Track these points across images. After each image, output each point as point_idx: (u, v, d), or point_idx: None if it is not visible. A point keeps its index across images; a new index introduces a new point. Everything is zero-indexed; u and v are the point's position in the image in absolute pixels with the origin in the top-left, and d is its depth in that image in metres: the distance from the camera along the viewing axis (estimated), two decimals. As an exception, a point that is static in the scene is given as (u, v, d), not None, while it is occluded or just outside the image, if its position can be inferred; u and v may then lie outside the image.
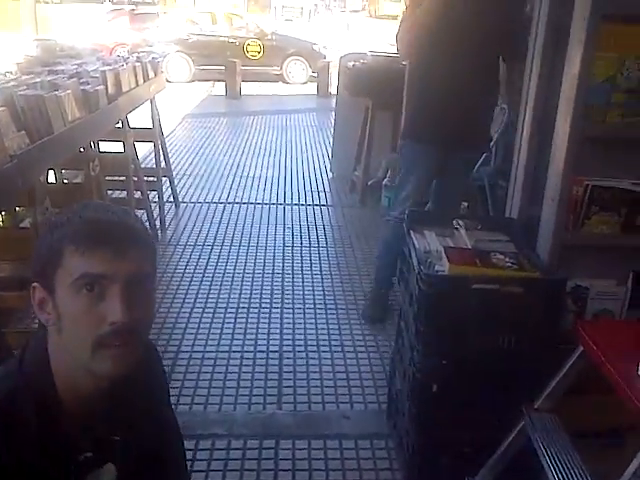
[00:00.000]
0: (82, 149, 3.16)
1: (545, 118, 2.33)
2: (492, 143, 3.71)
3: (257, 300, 3.57)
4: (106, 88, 3.50)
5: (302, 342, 3.15)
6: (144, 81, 4.31)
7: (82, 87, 3.19)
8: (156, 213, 4.60)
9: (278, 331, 3.24)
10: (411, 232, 2.35)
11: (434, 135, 3.13)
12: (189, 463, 2.27)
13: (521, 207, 2.51)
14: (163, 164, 4.86)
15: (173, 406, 2.57)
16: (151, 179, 4.61)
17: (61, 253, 1.03)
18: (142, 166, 4.74)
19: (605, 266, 1.99)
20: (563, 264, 2.16)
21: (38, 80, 2.99)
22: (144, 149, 5.32)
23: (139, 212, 4.35)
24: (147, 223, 4.35)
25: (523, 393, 1.89)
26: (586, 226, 1.96)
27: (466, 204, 5.23)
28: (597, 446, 1.81)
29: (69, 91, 2.91)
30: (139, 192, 4.20)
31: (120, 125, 3.89)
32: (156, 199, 4.67)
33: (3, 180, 2.09)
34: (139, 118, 4.54)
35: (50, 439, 1.05)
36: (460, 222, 2.52)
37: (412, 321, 2.08)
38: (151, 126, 4.62)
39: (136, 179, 4.10)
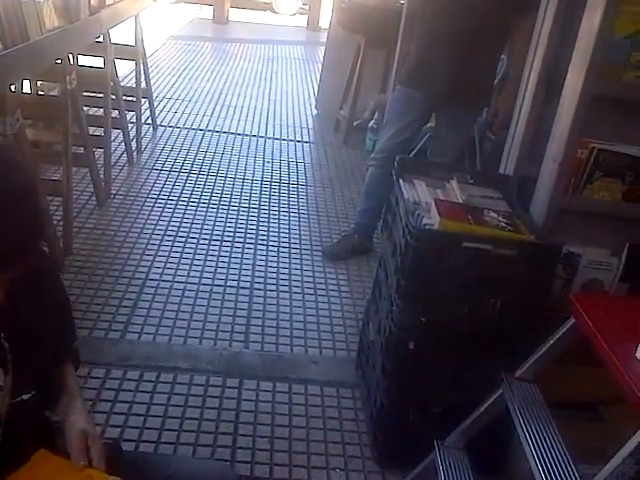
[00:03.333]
0: (59, 61, 2.95)
1: (554, 72, 2.22)
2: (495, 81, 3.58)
3: (231, 233, 3.46)
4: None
5: (274, 281, 3.06)
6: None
7: (63, -4, 2.97)
8: (133, 135, 4.41)
9: (250, 267, 3.15)
10: (400, 181, 2.24)
11: (431, 85, 3.05)
12: (149, 395, 2.20)
13: (517, 164, 2.41)
14: (143, 85, 4.63)
15: (136, 335, 2.52)
16: (130, 99, 4.40)
17: None
18: (122, 85, 4.53)
19: (601, 234, 1.91)
20: (557, 228, 2.09)
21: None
22: (125, 68, 5.08)
23: (115, 132, 4.18)
24: (123, 144, 4.17)
25: (504, 359, 1.82)
26: (587, 191, 1.88)
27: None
28: (575, 419, 1.77)
29: (48, -3, 2.70)
30: (116, 111, 3.99)
31: (101, 39, 3.67)
32: (134, 120, 4.47)
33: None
34: (122, 35, 4.30)
35: None
36: (452, 174, 2.43)
37: (394, 274, 1.99)
38: (134, 44, 4.38)
39: (114, 97, 3.89)
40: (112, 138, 4.26)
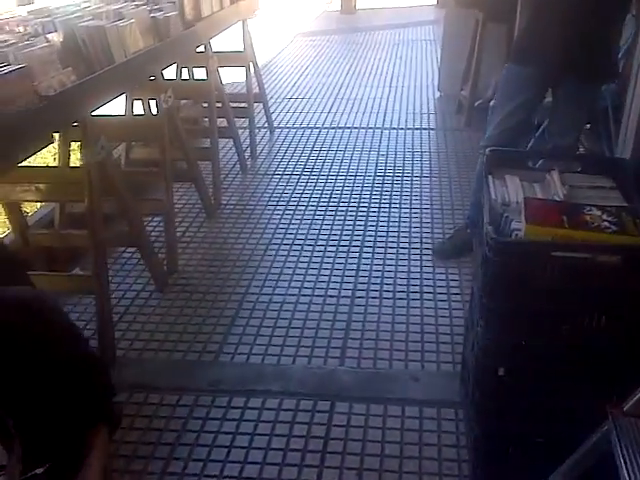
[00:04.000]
0: (152, 78, 2.97)
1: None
2: (620, 54, 3.15)
3: (337, 236, 3.32)
4: (182, 14, 3.28)
5: (378, 286, 2.88)
6: (231, 3, 4.03)
7: (152, 15, 2.98)
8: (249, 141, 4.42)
9: (354, 273, 2.99)
10: (489, 177, 1.97)
11: (544, 60, 2.71)
12: (236, 423, 2.13)
13: (635, 145, 2.06)
14: (257, 89, 4.62)
15: (230, 356, 2.46)
16: (243, 105, 4.41)
17: None
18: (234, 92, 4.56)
19: None
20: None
21: (104, 10, 2.81)
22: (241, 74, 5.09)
23: (225, 140, 4.20)
24: (235, 151, 4.17)
25: (614, 385, 1.54)
26: None
27: (589, 126, 4.66)
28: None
29: (133, 20, 2.70)
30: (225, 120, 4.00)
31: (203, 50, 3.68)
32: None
33: (28, 122, 1.92)
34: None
35: None
36: (556, 163, 2.12)
37: (478, 290, 1.75)
38: (242, 49, 4.36)
39: (220, 105, 3.89)
40: (223, 147, 4.31)
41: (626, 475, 1.28)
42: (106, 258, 2.47)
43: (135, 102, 3.55)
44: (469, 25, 4.91)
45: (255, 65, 4.53)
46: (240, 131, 4.49)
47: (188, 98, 4.07)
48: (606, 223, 1.63)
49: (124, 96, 3.38)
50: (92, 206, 2.33)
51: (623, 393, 1.45)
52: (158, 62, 2.96)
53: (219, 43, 4.39)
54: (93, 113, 2.39)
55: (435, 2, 10.96)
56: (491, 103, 4.56)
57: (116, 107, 3.32)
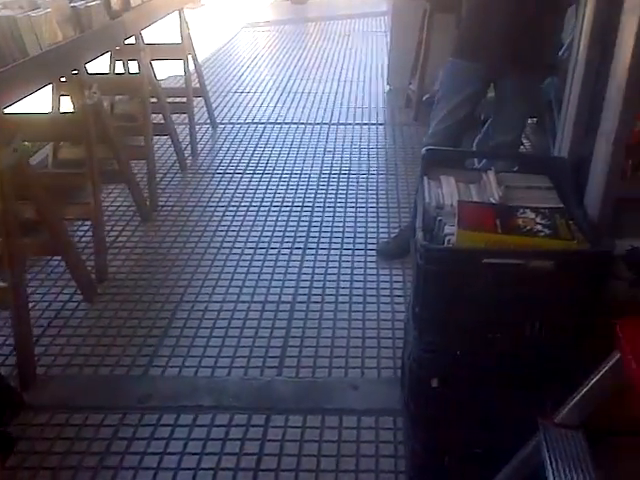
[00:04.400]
0: (75, 72, 2.81)
1: (609, 28, 1.79)
2: (564, 47, 3.10)
3: (279, 238, 3.20)
4: (108, 3, 3.11)
5: (320, 290, 2.78)
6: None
7: (72, 4, 2.81)
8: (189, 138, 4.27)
9: (295, 276, 2.88)
10: (424, 178, 1.88)
11: (486, 53, 2.66)
12: (165, 442, 2.00)
13: (573, 144, 1.99)
14: (196, 84, 4.47)
15: (161, 369, 2.33)
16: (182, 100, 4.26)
17: None
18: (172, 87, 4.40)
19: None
20: (617, 220, 1.68)
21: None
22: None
23: (165, 138, 4.05)
24: (173, 149, 4.02)
25: (548, 394, 1.47)
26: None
27: (535, 120, 4.64)
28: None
29: (48, 10, 2.53)
30: (161, 115, 3.84)
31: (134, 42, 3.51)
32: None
33: None
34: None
35: None
36: (493, 163, 2.05)
37: (412, 296, 1.66)
38: (179, 41, 4.20)
39: (155, 101, 3.73)
40: (162, 144, 4.16)
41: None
42: (24, 268, 2.30)
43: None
44: (418, 16, 4.83)
45: (194, 58, 4.37)
46: (181, 127, 4.35)
47: (119, 93, 3.90)
48: (539, 226, 1.56)
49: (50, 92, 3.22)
50: (6, 213, 2.16)
51: (558, 402, 1.39)
52: (79, 55, 2.78)
53: (159, 35, 4.26)
54: (6, 110, 2.22)
55: (387, -7, 10.92)
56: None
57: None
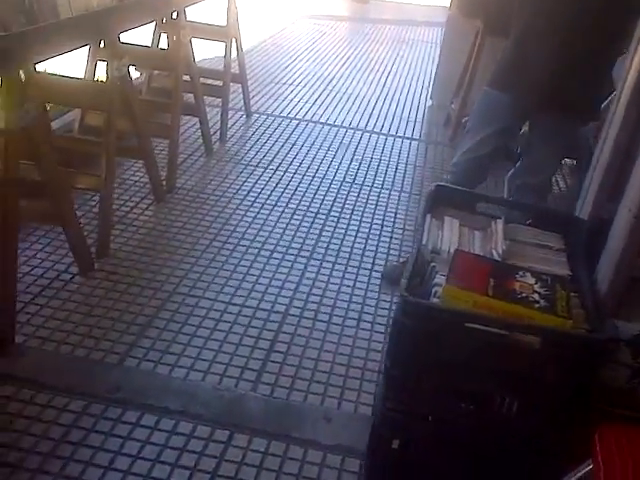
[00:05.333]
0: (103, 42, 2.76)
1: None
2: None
3: (287, 242, 3.13)
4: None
5: (315, 305, 2.70)
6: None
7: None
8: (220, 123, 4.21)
9: (293, 286, 2.80)
10: (427, 216, 1.80)
11: (522, 87, 2.54)
12: (120, 441, 1.94)
13: (595, 206, 1.89)
14: (236, 69, 4.40)
15: (137, 361, 2.28)
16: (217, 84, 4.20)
17: None
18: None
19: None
20: (627, 301, 1.58)
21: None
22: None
23: (193, 119, 4.00)
24: (200, 132, 3.96)
25: (520, 477, 1.38)
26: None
27: (574, 162, 4.51)
28: None
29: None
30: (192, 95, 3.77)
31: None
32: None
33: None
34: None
35: None
36: (505, 210, 1.95)
37: (386, 348, 1.57)
38: (225, 24, 4.13)
39: (189, 79, 3.66)
40: (192, 125, 4.11)
41: None
42: (17, 229, 2.25)
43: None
44: (470, 36, 4.69)
45: (238, 42, 4.30)
46: (215, 111, 4.29)
47: (154, 67, 3.84)
48: (536, 295, 1.46)
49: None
50: (7, 172, 2.12)
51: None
52: (113, 23, 2.72)
53: (211, 16, 4.20)
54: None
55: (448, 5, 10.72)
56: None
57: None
